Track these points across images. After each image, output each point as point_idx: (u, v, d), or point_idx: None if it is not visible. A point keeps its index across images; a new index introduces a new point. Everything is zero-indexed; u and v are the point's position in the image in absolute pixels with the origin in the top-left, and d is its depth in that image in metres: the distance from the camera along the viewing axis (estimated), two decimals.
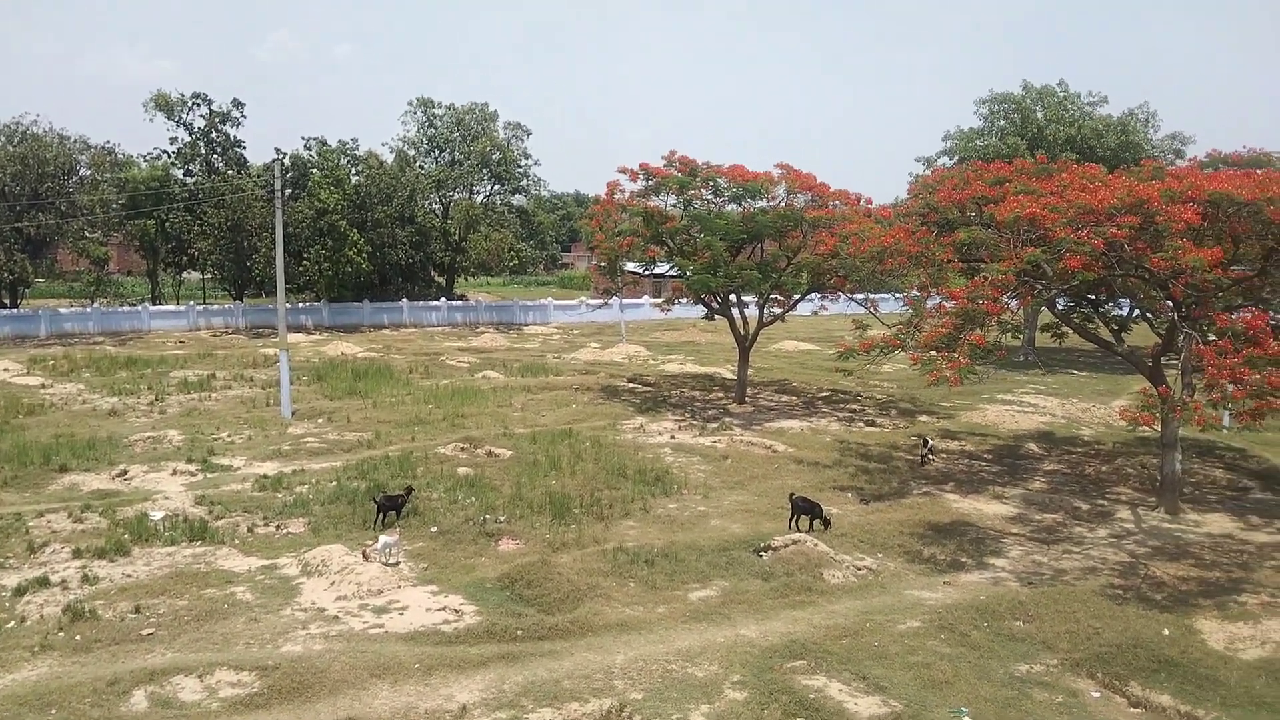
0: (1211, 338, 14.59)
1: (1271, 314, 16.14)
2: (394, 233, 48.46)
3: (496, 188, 57.04)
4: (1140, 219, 14.65)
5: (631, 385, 30.04)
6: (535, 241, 58.61)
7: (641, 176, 26.53)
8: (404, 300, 51.34)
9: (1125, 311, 20.39)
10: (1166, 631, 11.38)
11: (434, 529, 15.13)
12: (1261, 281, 16.00)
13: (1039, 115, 39.44)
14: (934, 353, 15.23)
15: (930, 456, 20.12)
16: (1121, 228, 14.54)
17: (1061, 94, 40.21)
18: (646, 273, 30.26)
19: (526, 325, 52.51)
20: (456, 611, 11.96)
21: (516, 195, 58.53)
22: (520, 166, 56.68)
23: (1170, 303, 15.89)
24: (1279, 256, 15.53)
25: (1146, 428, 14.92)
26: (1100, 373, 33.66)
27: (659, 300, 31.82)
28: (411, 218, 50.07)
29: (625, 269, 30.31)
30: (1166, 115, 64.79)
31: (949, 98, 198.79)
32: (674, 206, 26.98)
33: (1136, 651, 10.79)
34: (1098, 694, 10.03)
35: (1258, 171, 18.15)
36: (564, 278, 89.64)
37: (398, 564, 13.49)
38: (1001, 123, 40.28)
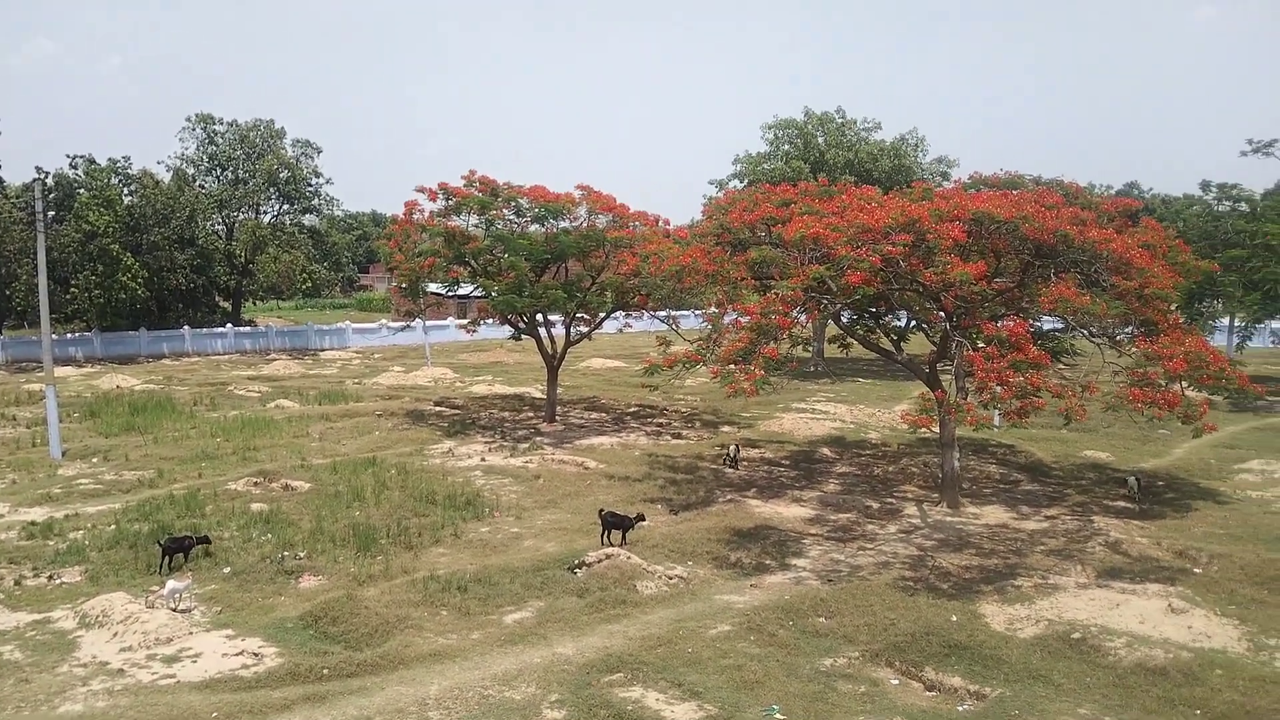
0: (980, 344, 15.83)
1: (1030, 321, 17.75)
2: (173, 256, 45.51)
3: (285, 207, 54.65)
4: (913, 237, 15.76)
5: (438, 409, 29.47)
6: (330, 263, 56.45)
7: (441, 196, 26.14)
8: (186, 328, 48.25)
9: (903, 322, 21.86)
10: (954, 618, 12.24)
11: (227, 570, 14.27)
12: (1020, 292, 17.54)
13: (820, 140, 41.74)
14: (732, 366, 15.78)
15: (734, 462, 20.95)
16: (897, 245, 15.58)
17: (840, 120, 42.74)
18: (450, 294, 29.76)
19: (323, 350, 50.47)
20: (255, 655, 11.31)
21: (308, 215, 56.29)
22: (311, 185, 54.57)
23: (942, 313, 17.15)
24: (1035, 270, 17.08)
25: (926, 429, 16.00)
26: (883, 380, 35.94)
27: (464, 321, 31.39)
28: (192, 240, 47.19)
29: (428, 290, 29.71)
30: (934, 140, 69.95)
31: (739, 122, 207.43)
32: (476, 227, 26.72)
33: (929, 638, 11.54)
34: (896, 681, 10.66)
35: (1013, 192, 19.96)
36: (362, 300, 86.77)
37: (189, 610, 12.61)
38: (786, 147, 42.34)
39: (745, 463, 21.39)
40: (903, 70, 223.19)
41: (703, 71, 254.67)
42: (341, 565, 14.52)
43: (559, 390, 28.49)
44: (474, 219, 26.54)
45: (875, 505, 18.31)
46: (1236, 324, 33.97)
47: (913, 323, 21.33)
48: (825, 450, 23.32)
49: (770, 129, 42.90)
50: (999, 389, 14.45)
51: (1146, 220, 21.16)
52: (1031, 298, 16.94)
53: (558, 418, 27.19)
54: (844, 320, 20.57)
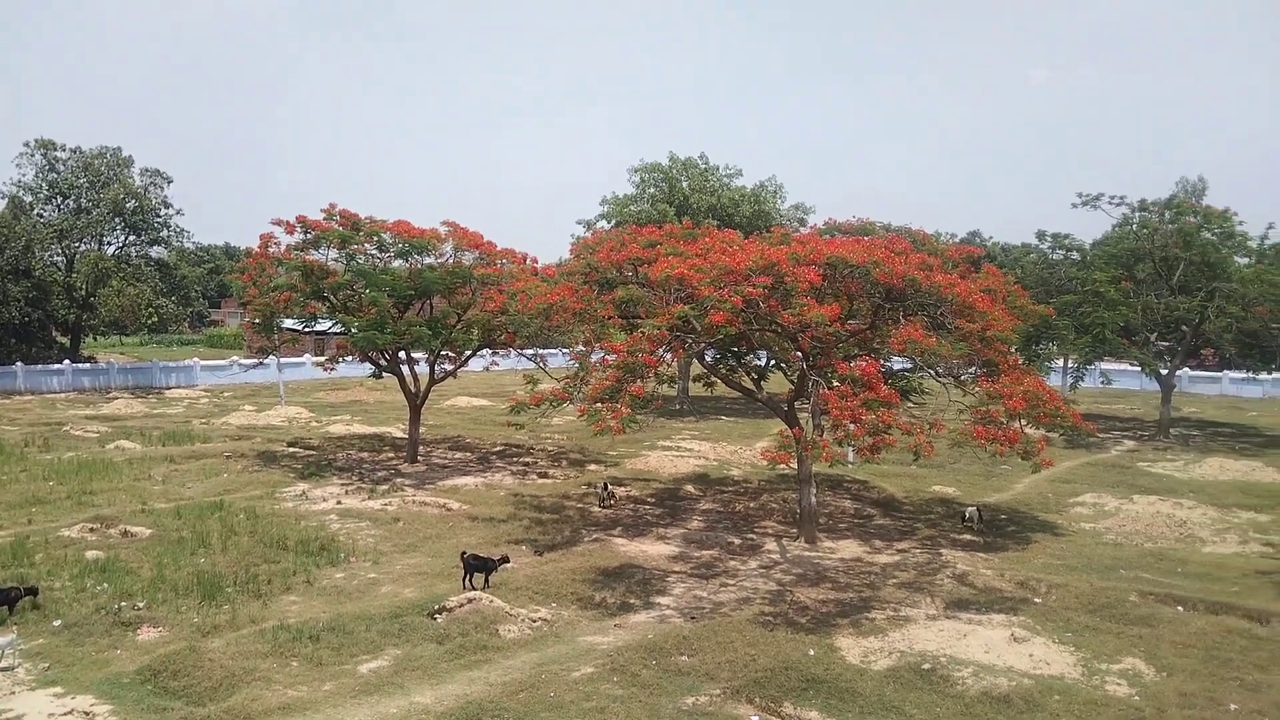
0: (835, 383, 16.38)
1: (881, 362, 18.49)
2: (5, 288, 42.53)
3: (132, 238, 51.91)
4: (772, 279, 16.24)
5: (292, 450, 28.38)
6: (178, 297, 53.78)
7: (299, 229, 25.42)
8: (19, 364, 45.04)
9: (763, 362, 22.46)
10: (812, 652, 12.49)
11: (57, 623, 13.27)
12: (872, 334, 18.28)
13: (684, 184, 42.67)
14: (599, 404, 15.84)
15: (610, 501, 20.99)
16: (757, 287, 16.02)
17: (703, 166, 43.82)
18: (307, 330, 28.83)
19: (169, 389, 47.94)
20: (86, 714, 10.55)
21: (156, 247, 53.59)
22: (160, 216, 52.04)
23: (800, 353, 17.69)
24: (885, 312, 17.83)
25: (785, 466, 16.39)
26: (745, 417, 36.70)
27: (322, 359, 30.48)
28: (28, 271, 44.25)
29: (283, 326, 28.70)
30: (791, 187, 72.48)
31: (606, 165, 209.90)
32: (336, 261, 26.05)
33: (788, 673, 11.73)
34: (757, 717, 10.76)
35: (865, 238, 20.86)
36: (213, 336, 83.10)
37: (12, 667, 11.66)
38: (652, 190, 43.10)
39: (614, 501, 21.37)
40: (763, 119, 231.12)
41: (572, 113, 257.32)
42: (184, 615, 13.72)
43: (421, 430, 27.91)
44: (334, 253, 25.87)
45: (737, 541, 18.59)
46: (1070, 365, 36.25)
47: (772, 362, 21.93)
48: (690, 487, 23.58)
49: (637, 172, 43.63)
50: (852, 426, 14.95)
51: (988, 267, 22.42)
52: (882, 339, 17.67)
53: (420, 458, 26.60)
54: (708, 359, 20.97)
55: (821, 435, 16.44)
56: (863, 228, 23.79)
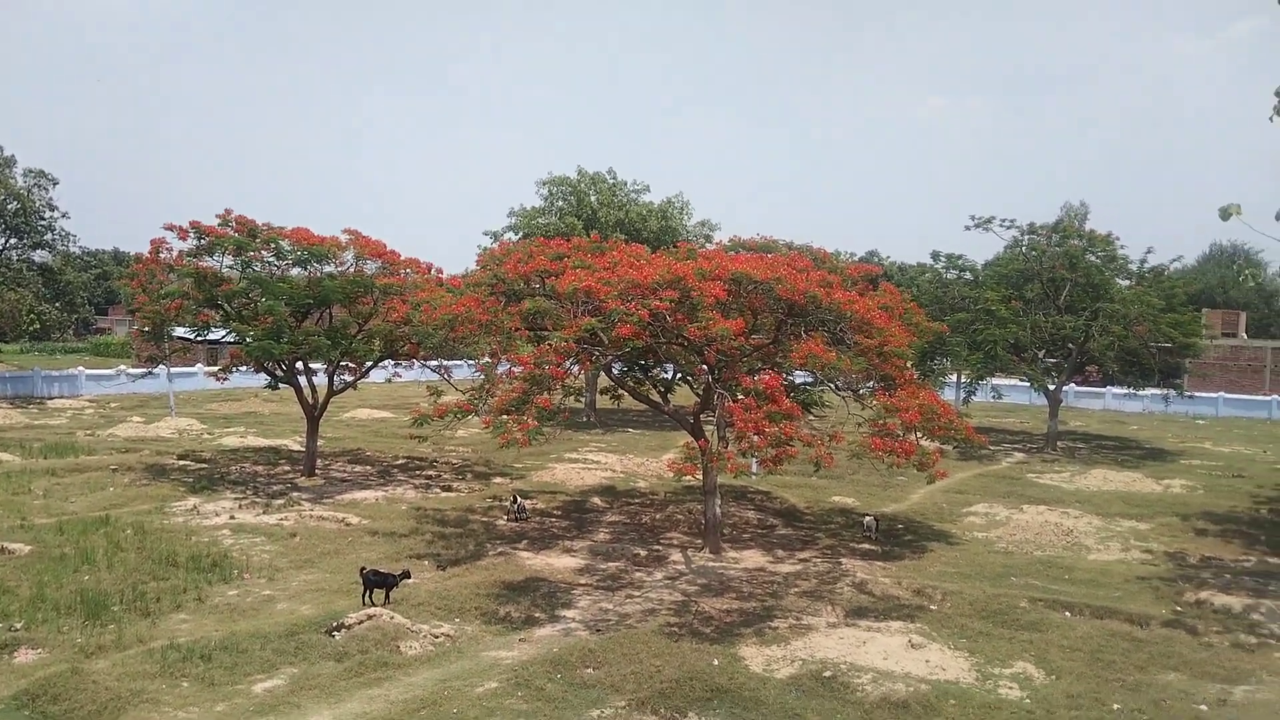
0: (739, 396, 16.61)
1: (784, 375, 18.81)
2: None
3: (13, 242, 49.45)
4: (678, 293, 16.41)
5: (183, 463, 27.35)
6: (63, 303, 51.39)
7: (193, 235, 24.56)
8: None
9: (670, 375, 22.62)
10: (716, 661, 12.59)
11: None
12: (775, 348, 18.59)
13: (592, 198, 42.79)
14: (505, 416, 15.72)
15: (519, 514, 20.80)
16: (664, 300, 16.16)
17: (611, 181, 44.03)
18: (199, 339, 27.86)
19: (51, 399, 45.66)
20: None
21: (39, 251, 51.17)
22: (44, 219, 49.72)
23: (705, 366, 17.88)
24: (788, 327, 18.16)
25: (690, 477, 16.53)
26: (652, 430, 36.88)
27: (215, 369, 29.42)
28: None
29: (174, 335, 27.67)
30: (698, 204, 73.43)
31: (514, 177, 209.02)
32: (231, 269, 25.26)
33: (692, 683, 11.79)
34: None
35: (769, 255, 21.24)
36: (99, 344, 79.51)
37: None
38: (560, 203, 43.10)
39: (525, 515, 21.12)
40: (669, 138, 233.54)
41: (479, 124, 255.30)
42: (66, 636, 13.06)
43: (320, 442, 27.22)
44: (229, 260, 25.10)
45: (643, 553, 18.63)
46: (963, 380, 37.52)
47: (679, 375, 22.10)
48: (596, 499, 23.55)
49: (545, 185, 43.57)
50: (756, 438, 15.18)
51: (885, 285, 23.08)
52: (785, 353, 17.98)
53: (318, 471, 25.93)
54: (615, 372, 21.01)
55: (726, 447, 16.63)
56: (766, 245, 24.21)
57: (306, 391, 25.97)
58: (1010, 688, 11.99)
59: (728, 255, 20.21)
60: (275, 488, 24.07)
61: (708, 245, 37.04)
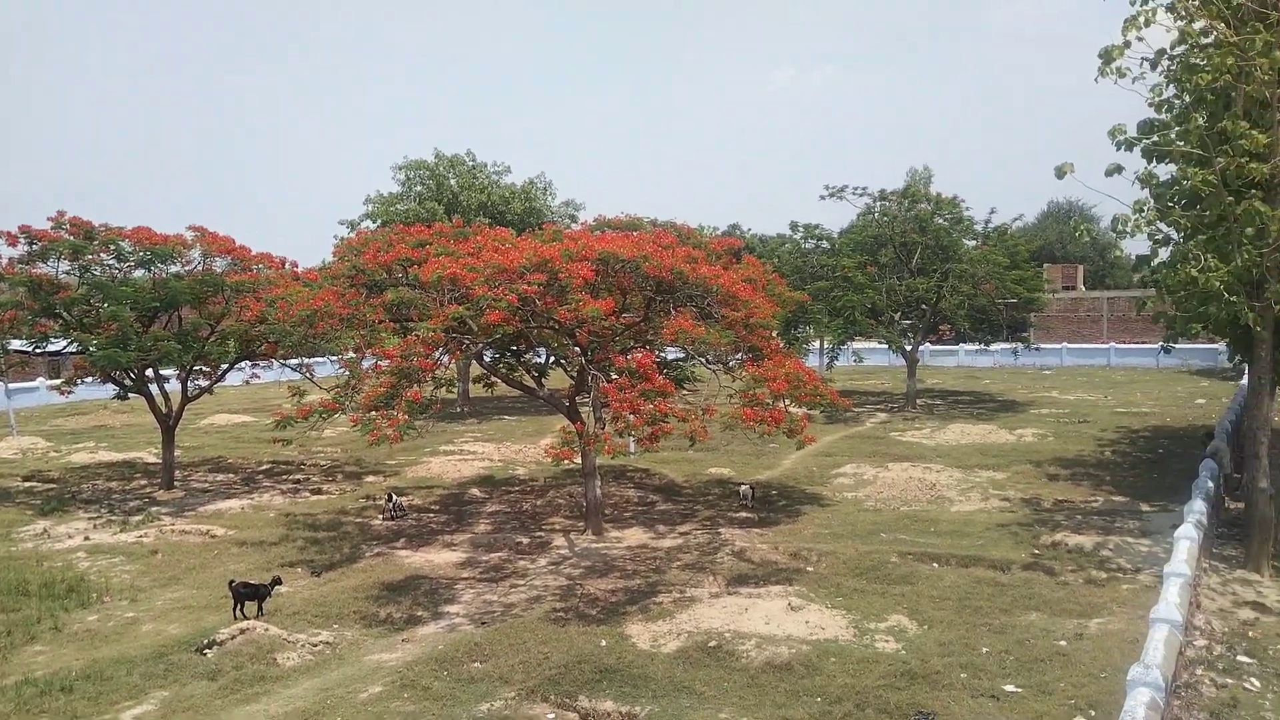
0: (613, 376, 16.65)
1: (656, 353, 18.95)
2: None
3: None
4: (546, 276, 16.28)
5: (29, 484, 25.64)
6: None
7: (23, 240, 22.89)
8: None
9: (543, 359, 22.49)
10: (604, 642, 12.64)
11: None
12: (646, 326, 18.70)
13: (452, 182, 41.91)
14: (374, 412, 15.31)
15: (396, 512, 20.33)
16: (531, 284, 16.00)
17: (471, 163, 43.21)
18: (38, 351, 26.05)
19: None
20: None
21: None
22: None
23: (578, 349, 17.85)
24: (657, 304, 18.29)
25: (569, 461, 16.50)
26: (528, 416, 36.65)
27: (58, 382, 27.65)
28: None
29: (9, 348, 25.78)
30: (561, 184, 72.97)
31: (368, 163, 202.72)
32: (68, 274, 23.68)
33: (581, 667, 11.80)
34: (553, 715, 10.75)
35: (634, 233, 21.30)
36: None
37: None
38: (419, 188, 42.04)
39: (402, 512, 20.63)
40: (526, 118, 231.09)
41: (329, 110, 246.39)
42: None
43: (177, 453, 25.95)
44: (65, 265, 23.52)
45: (525, 541, 18.52)
46: (825, 346, 38.69)
47: (552, 359, 22.00)
48: (475, 491, 23.26)
49: (401, 170, 42.40)
50: (632, 417, 15.25)
51: (748, 258, 23.49)
52: (655, 330, 18.12)
53: (177, 483, 24.72)
54: (486, 359, 20.73)
55: (603, 428, 16.66)
56: (631, 223, 24.25)
57: (159, 400, 24.65)
58: (886, 641, 12.47)
59: (594, 235, 20.15)
60: (132, 503, 22.83)
61: (573, 226, 36.88)
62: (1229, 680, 11.16)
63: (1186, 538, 13.55)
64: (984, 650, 12.01)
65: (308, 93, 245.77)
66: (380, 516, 20.60)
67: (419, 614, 14.34)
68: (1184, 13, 14.65)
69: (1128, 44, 14.27)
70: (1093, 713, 10.14)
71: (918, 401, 36.57)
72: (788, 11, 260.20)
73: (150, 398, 24.57)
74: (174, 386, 25.67)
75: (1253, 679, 11.21)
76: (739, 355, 18.46)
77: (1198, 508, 15.27)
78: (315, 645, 13.03)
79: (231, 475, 26.51)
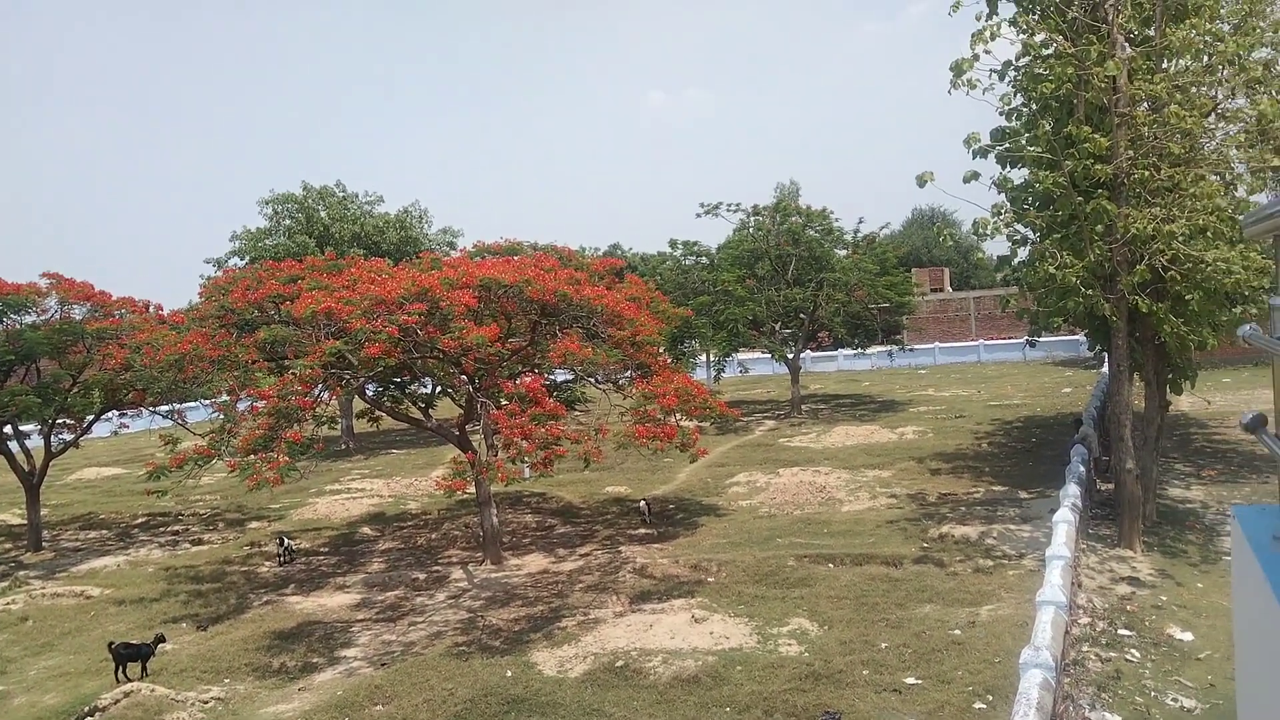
0: (503, 402, 16.50)
1: (545, 376, 18.90)
2: None
3: None
4: (427, 305, 16.03)
5: None
6: None
7: None
8: None
9: (429, 389, 22.11)
10: (509, 673, 12.45)
11: None
12: (533, 350, 18.64)
13: (323, 214, 40.89)
14: (252, 455, 14.78)
15: (289, 555, 19.63)
16: (412, 314, 15.71)
17: (341, 194, 42.28)
18: None
19: None
20: None
21: None
22: None
23: (465, 377, 17.64)
24: (542, 328, 18.24)
25: (463, 491, 16.24)
26: (417, 448, 35.90)
27: None
28: None
29: None
30: (437, 212, 71.95)
31: (233, 198, 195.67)
32: None
33: (488, 700, 11.59)
34: None
35: (515, 258, 21.22)
36: None
37: None
38: (288, 222, 40.85)
39: (292, 556, 19.86)
40: (395, 147, 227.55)
41: (189, 146, 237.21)
42: None
43: (44, 511, 24.43)
44: None
45: (422, 576, 18.10)
46: (711, 359, 39.27)
47: (438, 388, 21.66)
48: (366, 529, 22.62)
49: (268, 203, 41.11)
50: (524, 443, 15.13)
51: (630, 276, 23.69)
52: (543, 354, 18.09)
53: (45, 544, 23.24)
54: (370, 393, 20.26)
55: (496, 456, 16.48)
56: (511, 248, 24.17)
57: (20, 457, 23.17)
58: (789, 645, 12.67)
59: (473, 262, 19.98)
60: None
61: (452, 253, 36.48)
62: (1112, 654, 11.76)
63: (1064, 521, 14.24)
64: (883, 645, 12.33)
65: (164, 129, 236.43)
66: (271, 563, 19.81)
67: (314, 660, 13.84)
68: (1025, 27, 15.56)
69: (976, 57, 15.07)
70: (990, 697, 10.52)
71: (803, 408, 37.42)
72: (658, 38, 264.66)
73: (10, 456, 23.07)
74: (36, 442, 24.18)
75: (1133, 650, 11.85)
76: (628, 373, 18.58)
77: (1072, 491, 16.07)
78: (206, 702, 12.42)
79: (105, 531, 25.09)
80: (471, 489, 17.71)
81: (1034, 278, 16.47)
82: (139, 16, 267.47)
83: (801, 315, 37.31)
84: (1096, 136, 14.76)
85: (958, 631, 12.60)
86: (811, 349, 46.00)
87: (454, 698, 11.76)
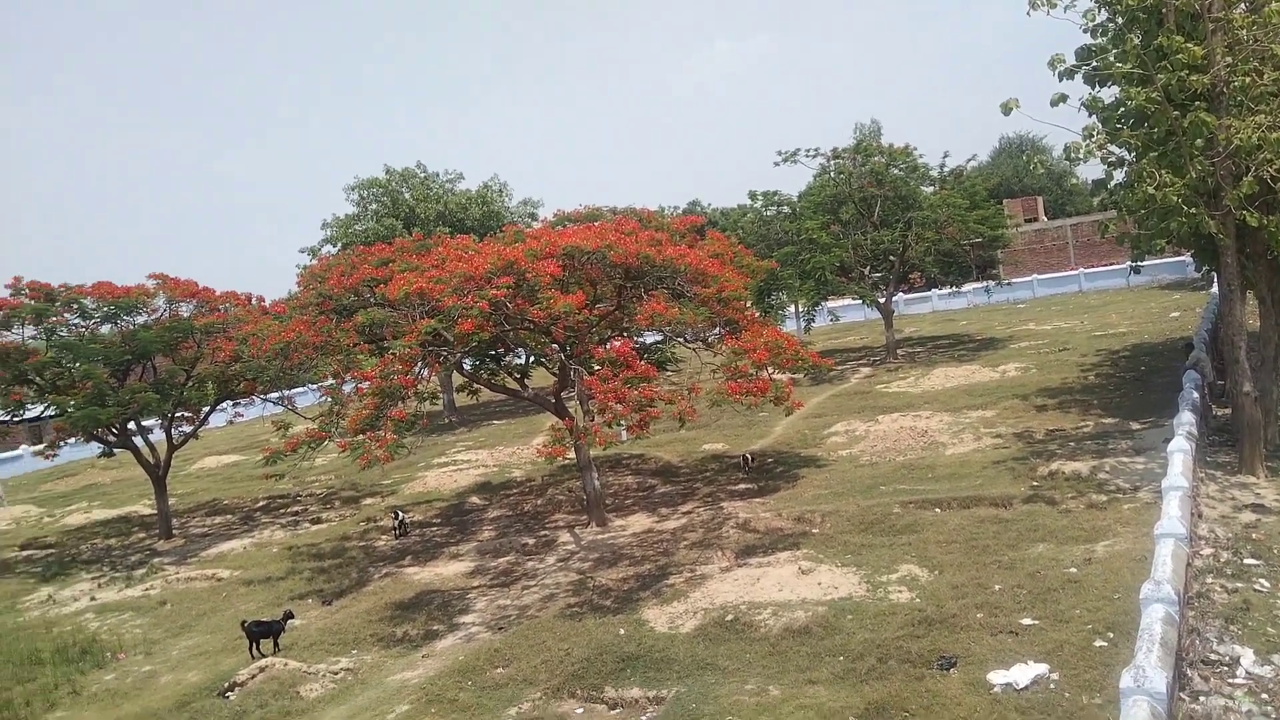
0: (595, 368, 16.66)
1: (633, 339, 18.98)
2: None
3: None
4: (514, 278, 16.23)
5: (27, 552, 25.39)
6: None
7: None
8: None
9: (523, 360, 22.46)
10: (622, 631, 12.70)
11: None
12: (620, 314, 18.71)
13: (407, 196, 41.65)
14: (361, 435, 15.26)
15: (404, 529, 20.34)
16: (500, 288, 15.94)
17: (423, 174, 42.95)
18: (16, 420, 25.75)
19: None
20: None
21: None
22: None
23: (556, 345, 17.84)
24: (628, 291, 18.30)
25: (563, 457, 16.51)
26: (517, 418, 36.57)
27: (41, 447, 27.37)
28: None
29: None
30: (516, 185, 72.59)
31: (320, 187, 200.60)
32: (34, 338, 23.42)
33: (603, 658, 11.85)
34: (581, 710, 10.81)
35: (595, 224, 21.28)
36: None
37: None
38: (374, 206, 41.75)
39: (406, 529, 20.58)
40: (466, 122, 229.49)
41: (273, 139, 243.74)
42: None
43: (172, 501, 25.79)
44: (30, 330, 23.26)
45: (531, 541, 18.54)
46: (800, 310, 38.82)
47: (532, 358, 21.98)
48: (474, 499, 23.24)
49: (354, 189, 42.08)
50: (619, 406, 15.27)
51: (711, 233, 23.50)
52: (630, 317, 18.14)
53: (175, 532, 24.56)
54: (467, 368, 20.69)
55: (592, 420, 16.68)
56: (591, 214, 24.24)
57: (145, 451, 24.46)
58: (900, 591, 12.58)
59: (555, 231, 20.12)
60: (133, 558, 22.68)
61: (534, 224, 36.82)
62: (1239, 584, 11.34)
63: (1180, 450, 13.75)
64: (997, 588, 12.15)
65: (247, 126, 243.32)
66: (388, 536, 20.54)
67: (435, 628, 14.35)
68: None
69: None
70: (1111, 634, 10.29)
71: (898, 352, 36.78)
72: None
73: (136, 450, 24.38)
74: (158, 436, 25.48)
75: (1261, 580, 11.41)
76: (716, 330, 18.53)
77: (1186, 419, 15.48)
78: (336, 673, 13.02)
79: (229, 516, 26.37)
80: (571, 454, 17.99)
81: (1133, 200, 15.77)
82: (225, 10, 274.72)
83: (891, 257, 36.53)
84: (1190, 45, 13.96)
85: (1074, 569, 12.33)
86: (903, 291, 45.05)
87: (570, 657, 12.06)
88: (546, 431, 16.73)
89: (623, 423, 15.93)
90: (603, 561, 16.41)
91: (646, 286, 17.93)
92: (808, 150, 36.62)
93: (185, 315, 24.53)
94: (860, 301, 37.54)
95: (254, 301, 25.44)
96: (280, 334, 18.42)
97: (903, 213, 35.62)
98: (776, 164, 36.64)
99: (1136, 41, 14.63)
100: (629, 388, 15.36)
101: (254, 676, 12.91)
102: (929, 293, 53.77)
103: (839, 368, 34.68)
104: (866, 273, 36.61)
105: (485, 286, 16.04)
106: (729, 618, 12.52)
